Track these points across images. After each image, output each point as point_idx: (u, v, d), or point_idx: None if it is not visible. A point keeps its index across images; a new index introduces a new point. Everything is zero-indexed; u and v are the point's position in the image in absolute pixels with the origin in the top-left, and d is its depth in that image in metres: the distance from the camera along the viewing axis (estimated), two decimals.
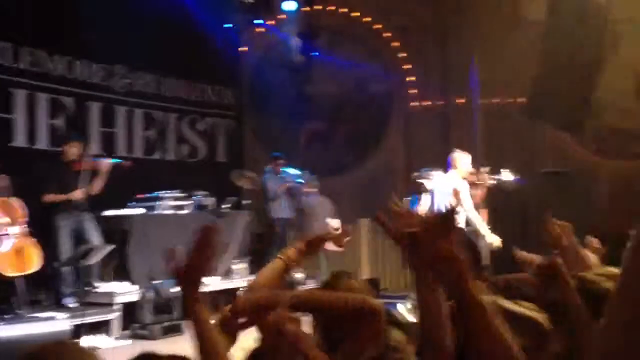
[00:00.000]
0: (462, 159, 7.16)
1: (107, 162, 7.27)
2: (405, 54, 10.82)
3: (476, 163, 8.41)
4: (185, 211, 8.09)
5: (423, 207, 7.32)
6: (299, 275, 8.29)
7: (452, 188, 6.95)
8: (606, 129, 9.72)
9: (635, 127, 9.56)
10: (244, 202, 9.19)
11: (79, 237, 6.97)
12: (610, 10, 8.87)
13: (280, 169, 9.16)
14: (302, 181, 9.18)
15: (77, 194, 6.94)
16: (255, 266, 8.54)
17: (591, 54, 9.19)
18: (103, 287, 7.04)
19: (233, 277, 8.13)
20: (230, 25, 10.21)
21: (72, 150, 7.18)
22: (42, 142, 8.13)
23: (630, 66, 9.34)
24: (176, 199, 8.06)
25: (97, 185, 7.17)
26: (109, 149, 8.79)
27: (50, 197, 6.88)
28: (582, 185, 8.97)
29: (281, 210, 9.13)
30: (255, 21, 10.35)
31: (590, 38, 8.89)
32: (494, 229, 7.07)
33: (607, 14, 8.94)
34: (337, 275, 2.32)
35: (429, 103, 10.69)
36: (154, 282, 6.95)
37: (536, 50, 9.03)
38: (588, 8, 8.50)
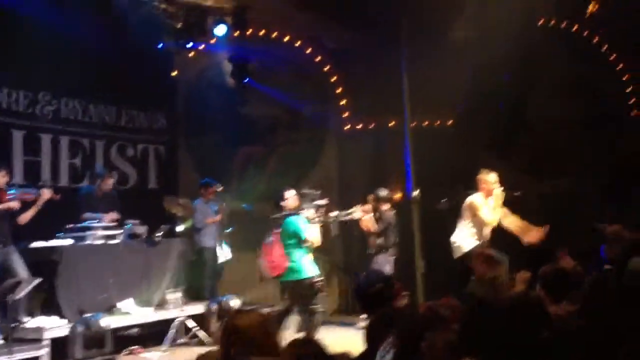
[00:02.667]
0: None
1: (46, 192, 7.09)
2: (336, 77, 10.94)
3: (407, 186, 8.60)
4: (116, 240, 7.86)
5: None
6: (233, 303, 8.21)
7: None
8: (536, 148, 10.07)
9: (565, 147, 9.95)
10: (177, 229, 9.00)
11: (4, 271, 6.71)
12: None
13: (211, 197, 9.03)
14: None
15: (23, 218, 6.96)
16: (189, 295, 8.40)
17: (522, 72, 9.54)
18: (31, 322, 6.75)
19: (167, 307, 7.91)
20: (161, 48, 10.06)
21: (1, 180, 6.93)
22: None
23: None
24: (106, 228, 7.82)
25: (27, 216, 7.00)
26: (33, 178, 8.49)
27: None
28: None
29: (211, 238, 8.98)
30: (187, 45, 10.22)
31: (521, 56, 9.21)
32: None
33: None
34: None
35: (361, 125, 10.82)
36: (85, 315, 6.73)
37: (465, 70, 9.27)
38: (516, 24, 8.78)
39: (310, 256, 6.76)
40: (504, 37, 8.72)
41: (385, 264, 8.49)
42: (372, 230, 8.65)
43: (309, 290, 6.64)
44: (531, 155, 10.19)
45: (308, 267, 6.72)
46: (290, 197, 6.92)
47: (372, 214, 8.64)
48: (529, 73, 10.09)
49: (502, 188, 7.28)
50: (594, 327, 2.99)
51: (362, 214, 8.53)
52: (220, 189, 9.02)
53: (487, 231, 7.36)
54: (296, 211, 6.83)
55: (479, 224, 7.31)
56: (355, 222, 8.74)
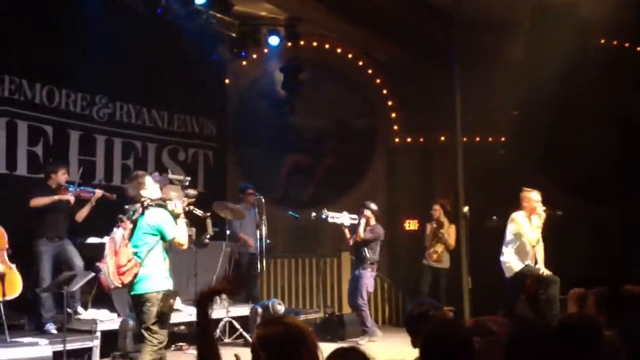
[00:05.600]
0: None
1: (99, 192, 7.29)
2: (387, 91, 10.98)
3: (458, 202, 8.53)
4: None
5: None
6: (279, 307, 8.26)
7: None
8: (584, 173, 9.91)
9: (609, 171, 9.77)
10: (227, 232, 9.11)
11: (61, 263, 6.94)
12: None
13: (250, 201, 9.13)
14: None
15: (80, 216, 7.11)
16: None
17: (571, 96, 9.41)
18: (84, 314, 6.97)
19: (213, 307, 7.98)
20: (215, 57, 10.24)
21: (62, 177, 7.13)
22: (22, 169, 8.03)
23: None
24: None
25: (83, 213, 7.23)
26: (88, 177, 8.69)
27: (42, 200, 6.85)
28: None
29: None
30: (240, 54, 10.39)
31: (572, 81, 9.11)
32: None
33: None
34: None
35: (411, 140, 10.82)
36: None
37: (517, 91, 9.22)
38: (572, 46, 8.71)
39: (167, 263, 5.19)
40: (558, 59, 8.66)
41: (372, 278, 8.46)
42: (361, 237, 8.40)
43: (157, 308, 4.99)
44: (578, 179, 10.03)
45: (163, 278, 5.12)
46: (151, 183, 5.26)
47: (365, 222, 8.42)
48: (581, 96, 9.95)
49: (545, 208, 7.16)
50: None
51: (349, 222, 8.45)
52: (256, 193, 9.08)
53: (529, 249, 7.26)
54: (160, 202, 5.18)
55: (521, 242, 7.23)
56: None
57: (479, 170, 8.95)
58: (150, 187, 5.20)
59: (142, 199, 5.12)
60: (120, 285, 5.03)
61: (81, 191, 7.27)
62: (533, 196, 7.22)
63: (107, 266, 5.03)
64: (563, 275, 7.16)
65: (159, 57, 9.15)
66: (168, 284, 5.14)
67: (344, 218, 8.43)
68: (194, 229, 7.85)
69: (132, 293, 5.10)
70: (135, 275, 4.98)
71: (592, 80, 9.52)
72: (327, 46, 11.12)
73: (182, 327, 7.61)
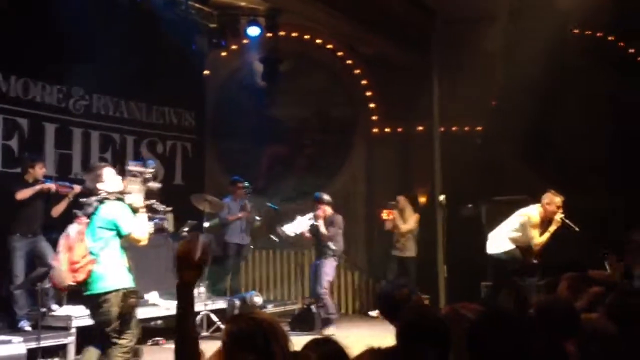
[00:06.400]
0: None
1: (77, 187, 7.14)
2: (366, 82, 10.97)
3: (434, 190, 8.57)
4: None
5: None
6: (257, 299, 8.29)
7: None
8: (565, 160, 9.96)
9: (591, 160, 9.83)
10: (204, 225, 9.10)
11: (34, 259, 6.87)
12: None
13: (240, 194, 9.14)
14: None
15: (56, 211, 6.97)
16: (212, 290, 8.50)
17: (550, 86, 9.44)
18: (59, 310, 6.88)
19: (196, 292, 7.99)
20: (194, 48, 10.17)
21: (40, 171, 7.08)
22: None
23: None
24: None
25: (60, 208, 7.11)
26: (64, 171, 8.64)
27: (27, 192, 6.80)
28: None
29: (235, 235, 9.08)
30: (219, 45, 10.32)
31: (549, 71, 9.14)
32: None
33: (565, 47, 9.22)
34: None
35: (390, 130, 10.83)
36: None
37: (495, 81, 9.24)
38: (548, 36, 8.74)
39: (125, 261, 4.96)
40: (535, 48, 8.68)
41: (333, 267, 8.45)
42: (324, 235, 8.36)
43: (117, 309, 4.76)
44: (559, 168, 10.08)
45: (121, 276, 4.86)
46: (111, 176, 5.02)
47: (323, 218, 8.37)
48: (559, 85, 10.00)
49: (563, 215, 6.95)
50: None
51: (307, 226, 8.39)
52: (246, 186, 9.13)
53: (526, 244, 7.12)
54: (119, 195, 4.95)
55: (524, 235, 7.05)
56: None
57: (456, 160, 8.98)
58: (109, 180, 4.97)
59: (99, 192, 4.90)
60: (74, 283, 4.78)
61: (59, 186, 7.19)
62: (557, 200, 6.99)
63: (60, 263, 4.80)
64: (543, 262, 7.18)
65: (137, 48, 9.03)
66: (127, 282, 4.88)
67: (302, 224, 8.35)
68: (168, 221, 7.83)
69: (88, 293, 4.83)
70: (90, 272, 4.73)
71: (569, 70, 9.56)
72: (307, 37, 11.08)
73: (159, 322, 7.59)
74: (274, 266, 10.33)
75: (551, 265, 6.64)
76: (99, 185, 4.92)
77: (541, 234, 6.98)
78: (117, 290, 4.77)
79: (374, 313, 9.35)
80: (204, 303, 7.98)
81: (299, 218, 8.41)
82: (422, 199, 9.78)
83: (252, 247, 9.65)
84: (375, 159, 10.78)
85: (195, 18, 9.59)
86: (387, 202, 9.59)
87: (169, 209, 6.21)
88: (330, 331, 7.85)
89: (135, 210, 4.94)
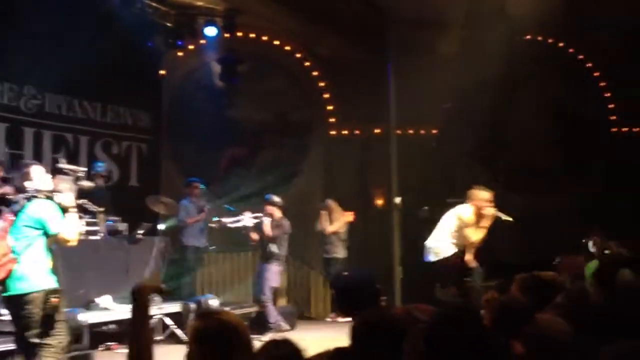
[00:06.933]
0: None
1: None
2: (324, 84, 11.01)
3: (391, 193, 8.65)
4: (97, 237, 7.82)
5: None
6: (213, 302, 8.23)
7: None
8: (516, 164, 10.18)
9: (540, 163, 10.07)
10: (159, 227, 8.99)
11: None
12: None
13: (196, 195, 9.07)
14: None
15: None
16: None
17: (502, 90, 9.64)
18: (7, 315, 6.66)
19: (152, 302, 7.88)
20: (151, 46, 10.05)
21: None
22: None
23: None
24: (87, 223, 7.78)
25: None
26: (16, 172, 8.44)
27: None
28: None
29: (193, 237, 9.00)
30: (176, 44, 10.22)
31: (501, 76, 9.32)
32: None
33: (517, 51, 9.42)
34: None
35: (347, 132, 10.89)
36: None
37: (451, 84, 9.38)
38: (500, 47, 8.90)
39: (50, 262, 4.76)
40: (488, 53, 8.84)
41: (276, 273, 8.47)
42: (268, 235, 8.38)
43: (39, 310, 4.56)
44: (510, 170, 10.31)
45: (43, 276, 4.67)
46: (39, 174, 4.86)
47: (270, 218, 8.39)
48: (511, 90, 10.22)
49: (495, 209, 7.05)
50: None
51: (254, 221, 8.40)
52: (202, 188, 9.04)
53: (465, 244, 7.25)
54: (48, 194, 4.77)
55: (461, 237, 7.16)
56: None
57: (412, 162, 9.08)
58: (37, 179, 4.79)
59: (27, 190, 4.73)
60: None
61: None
62: (483, 195, 7.08)
63: None
64: (489, 262, 7.30)
65: (91, 47, 8.86)
66: (50, 282, 4.68)
67: (245, 220, 8.33)
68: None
69: (8, 293, 4.62)
70: (10, 272, 4.54)
71: (521, 75, 9.78)
72: (265, 38, 11.06)
73: (112, 326, 7.46)
74: (231, 268, 10.27)
75: (503, 266, 6.78)
76: (26, 184, 4.76)
77: (474, 233, 7.09)
78: (38, 292, 4.59)
79: (329, 319, 9.43)
80: (159, 307, 7.88)
81: (246, 214, 8.39)
82: (379, 201, 9.85)
83: (213, 247, 9.54)
84: (333, 161, 10.82)
85: (152, 17, 9.49)
86: (346, 204, 9.65)
87: (101, 209, 6.01)
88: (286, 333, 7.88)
89: (65, 210, 4.77)
